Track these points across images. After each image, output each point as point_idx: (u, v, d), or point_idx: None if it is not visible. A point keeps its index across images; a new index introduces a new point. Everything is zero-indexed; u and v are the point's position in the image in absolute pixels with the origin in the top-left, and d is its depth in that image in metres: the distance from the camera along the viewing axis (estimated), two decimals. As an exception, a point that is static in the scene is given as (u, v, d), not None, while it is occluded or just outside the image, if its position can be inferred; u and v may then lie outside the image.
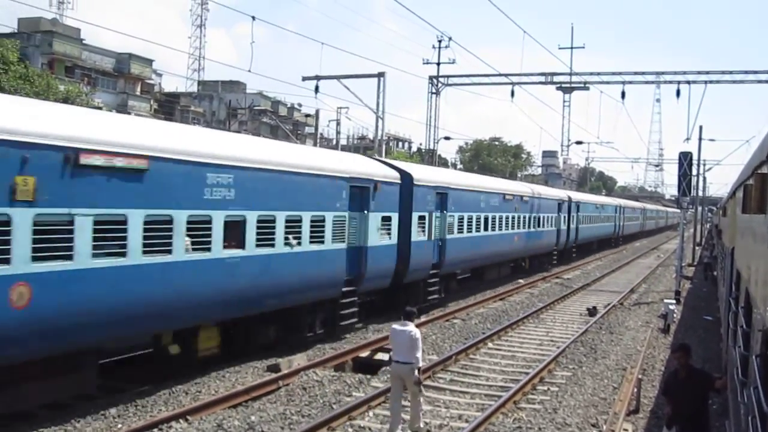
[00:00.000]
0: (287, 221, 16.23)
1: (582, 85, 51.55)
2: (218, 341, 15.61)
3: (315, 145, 54.95)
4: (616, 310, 27.39)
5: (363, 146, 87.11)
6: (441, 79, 48.61)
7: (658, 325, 24.17)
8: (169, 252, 12.88)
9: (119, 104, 62.71)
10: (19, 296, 10.34)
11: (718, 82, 42.55)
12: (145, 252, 12.33)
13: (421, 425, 12.31)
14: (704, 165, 62.84)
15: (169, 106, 75.43)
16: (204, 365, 15.35)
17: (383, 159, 26.12)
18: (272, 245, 15.74)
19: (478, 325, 22.50)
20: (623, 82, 45.17)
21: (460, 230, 26.98)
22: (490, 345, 19.88)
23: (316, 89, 39.95)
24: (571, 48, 60.22)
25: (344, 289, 19.25)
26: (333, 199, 18.31)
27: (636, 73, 45.25)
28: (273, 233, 15.76)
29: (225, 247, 14.25)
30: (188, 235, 13.35)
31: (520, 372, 16.77)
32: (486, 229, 29.95)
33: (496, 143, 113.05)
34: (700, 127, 52.78)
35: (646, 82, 45.95)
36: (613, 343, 20.79)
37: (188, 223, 13.28)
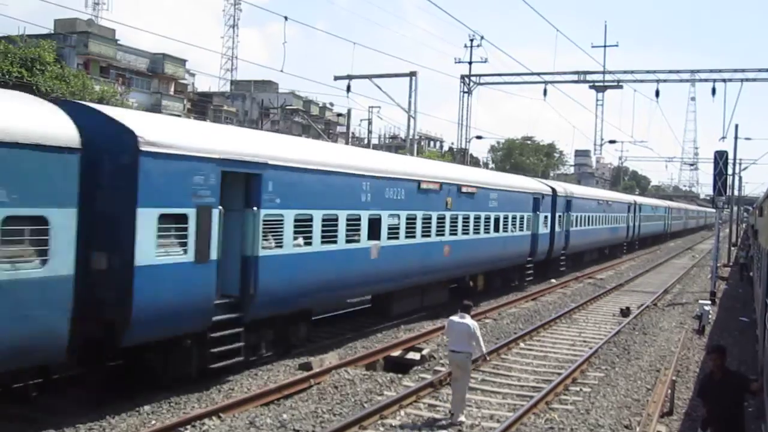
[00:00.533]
0: (511, 218, 28.99)
1: (615, 84, 51.04)
2: (483, 282, 28.68)
3: (347, 143, 55.04)
4: (649, 310, 27.13)
5: (395, 145, 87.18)
6: (473, 78, 48.52)
7: (693, 326, 23.91)
8: (478, 233, 25.82)
9: (153, 104, 63.30)
10: (446, 251, 23.22)
11: (754, 80, 41.99)
12: (485, 232, 26.47)
13: (462, 419, 12.78)
14: (740, 164, 62.15)
15: (202, 106, 76.08)
16: (236, 364, 15.53)
17: (541, 179, 39.51)
18: (506, 231, 28.57)
19: (510, 325, 22.42)
20: (657, 81, 44.74)
21: (577, 225, 39.17)
22: (522, 345, 19.80)
23: (348, 88, 40.20)
24: (605, 46, 59.30)
25: (528, 258, 31.87)
26: (525, 205, 30.96)
27: (671, 72, 44.81)
28: (507, 224, 28.55)
29: (494, 231, 27.25)
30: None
31: (552, 372, 16.69)
32: (589, 224, 42.33)
33: (529, 142, 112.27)
34: (736, 126, 52.27)
35: (681, 81, 45.38)
36: (646, 344, 20.60)
37: (484, 219, 26.31)
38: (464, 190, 24.43)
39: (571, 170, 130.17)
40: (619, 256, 53.80)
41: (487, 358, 15.13)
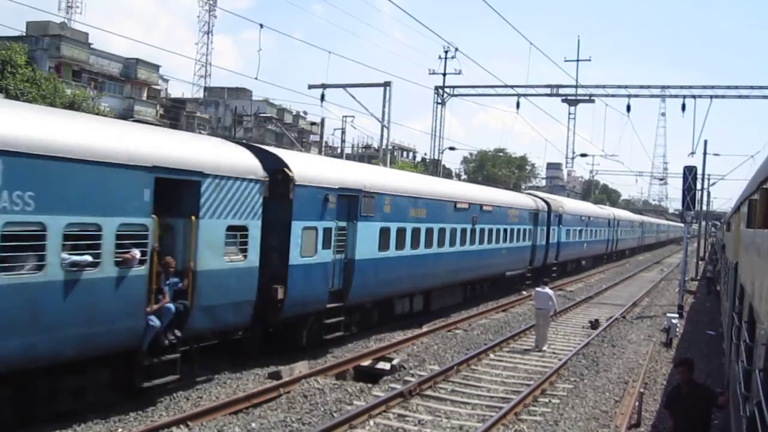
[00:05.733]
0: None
1: (587, 98, 51.67)
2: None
3: (320, 153, 55.01)
4: (618, 323, 27.32)
5: (368, 155, 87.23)
6: (447, 90, 48.75)
7: (661, 339, 24.12)
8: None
9: (125, 109, 62.80)
10: None
11: (723, 96, 42.67)
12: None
13: (545, 348, 21.19)
14: (709, 179, 62.84)
15: (174, 112, 75.60)
16: (205, 371, 15.38)
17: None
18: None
19: (480, 336, 22.48)
20: (629, 96, 45.31)
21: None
22: (491, 356, 19.85)
23: (322, 97, 40.17)
24: (577, 60, 60.47)
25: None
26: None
27: (641, 87, 45.40)
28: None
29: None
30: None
31: (521, 383, 16.74)
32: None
33: (501, 154, 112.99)
34: (705, 142, 53.07)
35: (652, 96, 46.09)
36: (615, 357, 20.74)
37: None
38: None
39: (543, 183, 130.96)
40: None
41: (556, 316, 24.99)
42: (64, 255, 11.07)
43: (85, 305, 11.49)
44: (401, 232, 22.07)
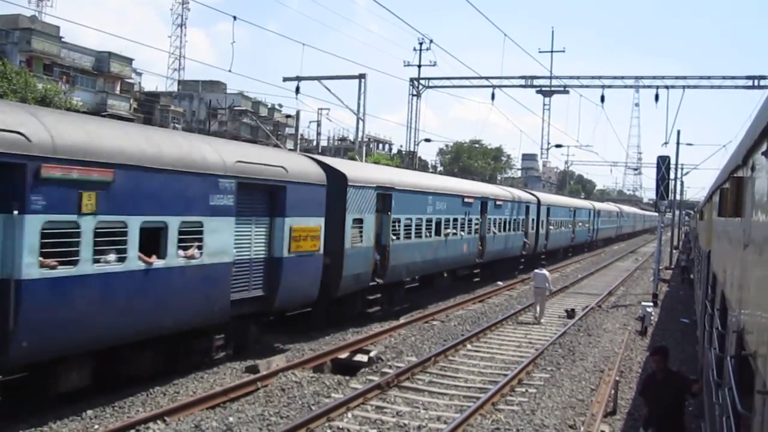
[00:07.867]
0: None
1: (562, 89, 51.89)
2: None
3: (295, 146, 54.79)
4: (594, 312, 27.53)
5: (343, 147, 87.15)
6: (422, 81, 48.77)
7: (636, 328, 24.35)
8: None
9: (98, 103, 62.17)
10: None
11: (696, 87, 42.99)
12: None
13: (542, 320, 24.17)
14: (682, 169, 63.46)
15: (148, 106, 74.96)
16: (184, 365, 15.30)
17: None
18: None
19: (457, 327, 22.56)
20: (603, 86, 45.51)
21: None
22: (468, 347, 19.92)
23: (297, 90, 39.99)
24: (552, 52, 60.79)
25: None
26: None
27: (615, 78, 45.58)
28: None
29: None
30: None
31: (498, 374, 16.82)
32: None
33: (477, 146, 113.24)
34: (678, 132, 53.53)
35: (625, 87, 46.25)
36: (591, 345, 20.91)
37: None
38: None
39: (519, 174, 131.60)
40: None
41: (551, 294, 27.44)
42: None
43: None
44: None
